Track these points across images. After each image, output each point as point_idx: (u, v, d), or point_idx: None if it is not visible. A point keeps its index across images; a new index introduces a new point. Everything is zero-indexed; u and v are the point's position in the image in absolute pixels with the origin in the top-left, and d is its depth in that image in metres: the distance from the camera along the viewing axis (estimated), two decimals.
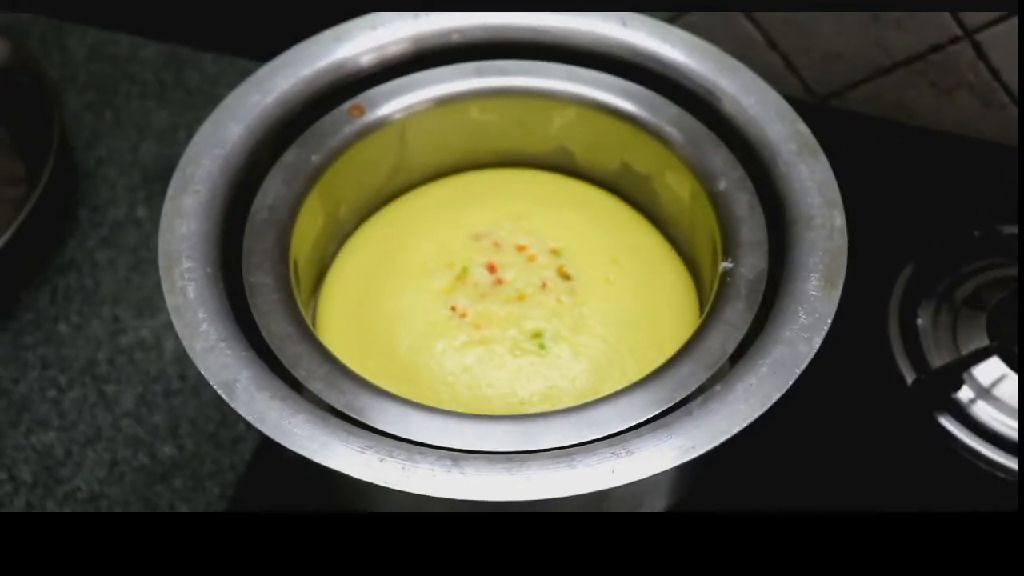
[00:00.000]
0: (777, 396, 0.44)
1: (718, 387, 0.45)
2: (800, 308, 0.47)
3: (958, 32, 0.73)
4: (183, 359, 0.70)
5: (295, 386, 0.47)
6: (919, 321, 0.67)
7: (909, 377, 0.65)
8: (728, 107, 0.56)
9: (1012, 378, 0.63)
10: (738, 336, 0.48)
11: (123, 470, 0.65)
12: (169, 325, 0.71)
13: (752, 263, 0.51)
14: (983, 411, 0.63)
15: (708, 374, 0.47)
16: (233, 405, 0.44)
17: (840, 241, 0.50)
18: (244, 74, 0.90)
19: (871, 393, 0.65)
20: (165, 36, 0.87)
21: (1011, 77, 0.74)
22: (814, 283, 0.48)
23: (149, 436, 0.67)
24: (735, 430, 0.43)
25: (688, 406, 0.45)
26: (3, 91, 0.78)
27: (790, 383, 0.45)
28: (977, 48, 0.74)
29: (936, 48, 0.75)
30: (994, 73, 0.75)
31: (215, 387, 0.44)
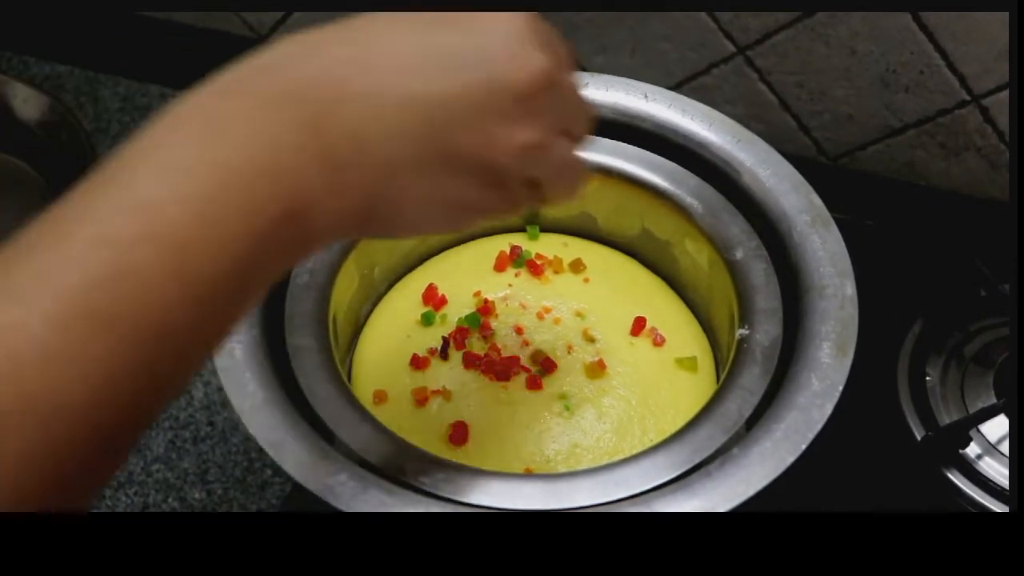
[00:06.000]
0: (791, 460, 0.46)
1: (735, 450, 0.47)
2: (813, 375, 0.49)
3: (966, 97, 0.75)
4: (212, 406, 0.71)
5: (335, 442, 0.48)
6: (928, 378, 0.68)
7: (918, 433, 0.66)
8: (746, 179, 0.58)
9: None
10: (754, 401, 0.50)
11: None
12: (198, 373, 0.73)
13: (767, 330, 0.53)
14: (990, 467, 0.64)
15: (726, 437, 0.49)
16: (281, 464, 0.45)
17: (851, 310, 0.51)
18: None
19: (881, 448, 0.66)
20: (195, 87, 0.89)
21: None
22: (826, 351, 0.50)
23: (179, 481, 0.68)
24: (751, 492, 0.45)
25: (707, 468, 0.47)
26: (41, 143, 0.80)
27: (803, 447, 0.47)
28: (984, 112, 0.75)
29: (944, 112, 0.76)
30: (1001, 136, 0.76)
31: (263, 446, 0.46)
